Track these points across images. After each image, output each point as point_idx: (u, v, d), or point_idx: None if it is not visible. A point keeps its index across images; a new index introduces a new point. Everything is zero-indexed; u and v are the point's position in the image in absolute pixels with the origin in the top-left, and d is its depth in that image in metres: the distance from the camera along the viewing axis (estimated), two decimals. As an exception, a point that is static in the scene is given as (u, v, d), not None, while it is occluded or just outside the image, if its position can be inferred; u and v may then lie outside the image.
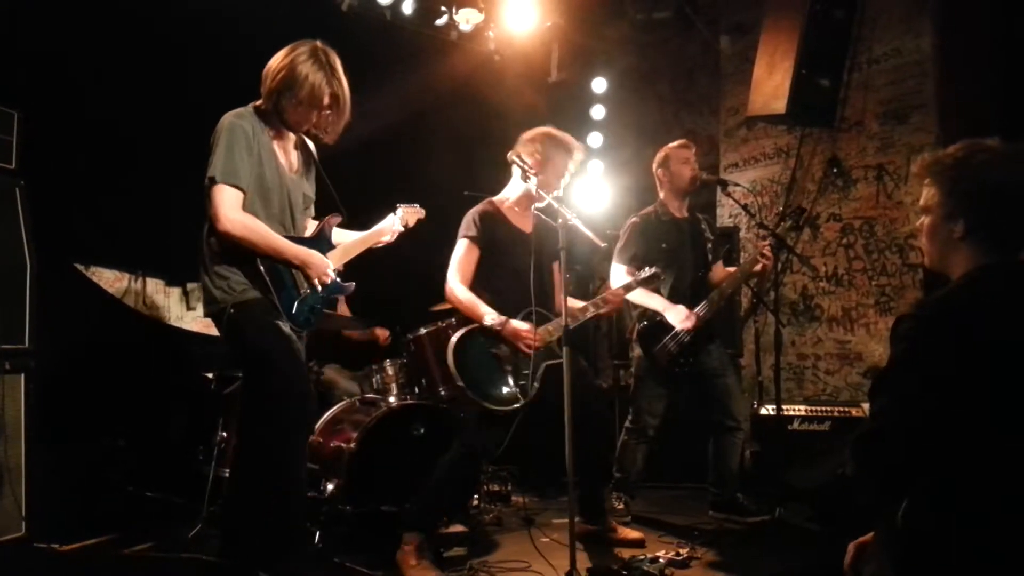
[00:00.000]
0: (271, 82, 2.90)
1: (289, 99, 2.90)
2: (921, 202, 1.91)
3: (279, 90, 2.89)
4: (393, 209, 3.40)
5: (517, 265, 3.55)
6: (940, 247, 1.88)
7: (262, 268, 2.85)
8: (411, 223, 3.43)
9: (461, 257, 3.62)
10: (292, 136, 3.05)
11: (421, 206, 3.51)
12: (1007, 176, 1.79)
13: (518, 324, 3.49)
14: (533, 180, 3.49)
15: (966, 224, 1.81)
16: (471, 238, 3.61)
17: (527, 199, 3.68)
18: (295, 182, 3.04)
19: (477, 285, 3.60)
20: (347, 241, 3.24)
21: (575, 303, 3.74)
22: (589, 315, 3.69)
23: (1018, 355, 1.67)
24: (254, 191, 2.87)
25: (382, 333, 5.16)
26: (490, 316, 3.47)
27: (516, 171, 3.64)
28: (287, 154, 3.03)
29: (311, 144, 3.16)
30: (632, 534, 3.84)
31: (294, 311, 2.93)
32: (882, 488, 1.78)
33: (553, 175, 3.63)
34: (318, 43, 2.96)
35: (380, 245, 3.35)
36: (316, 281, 2.98)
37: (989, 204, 1.80)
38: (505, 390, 3.46)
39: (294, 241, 2.96)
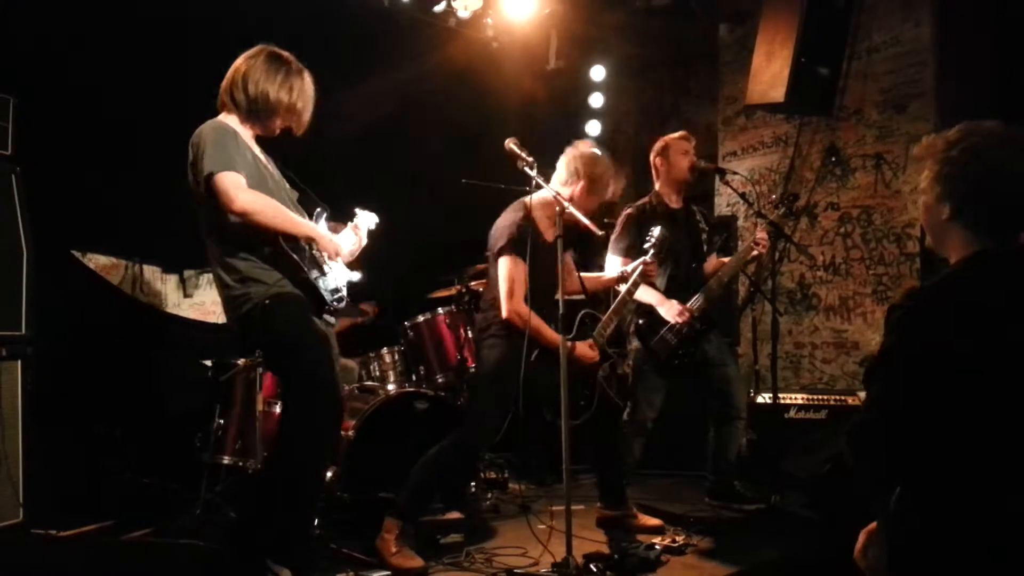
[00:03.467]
0: (242, 99, 2.93)
1: (261, 114, 2.96)
2: (920, 185, 1.92)
3: (250, 106, 2.94)
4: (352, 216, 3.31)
5: (544, 268, 3.45)
6: (933, 229, 1.89)
7: (287, 247, 2.85)
8: (367, 230, 3.31)
9: (512, 275, 3.44)
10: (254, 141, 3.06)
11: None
12: (993, 159, 1.79)
13: (582, 347, 3.52)
14: (530, 171, 3.42)
15: (952, 206, 1.81)
16: (515, 251, 3.45)
17: (549, 205, 3.50)
18: (279, 176, 3.06)
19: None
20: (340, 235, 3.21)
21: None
22: (630, 305, 3.73)
23: (1008, 344, 1.68)
24: (257, 188, 2.85)
25: (369, 308, 5.08)
26: (561, 340, 3.30)
27: (560, 174, 3.62)
28: (261, 154, 3.04)
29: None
30: (651, 521, 3.86)
31: (326, 287, 2.97)
32: (877, 476, 1.79)
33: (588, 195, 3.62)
34: (274, 49, 2.99)
35: (352, 256, 3.23)
36: (335, 257, 3.02)
37: (974, 186, 1.80)
38: (579, 402, 3.53)
39: None
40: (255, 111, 2.96)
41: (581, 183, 3.60)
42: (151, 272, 4.95)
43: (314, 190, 3.23)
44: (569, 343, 3.43)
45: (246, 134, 2.99)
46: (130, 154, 4.42)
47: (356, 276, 3.21)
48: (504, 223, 3.55)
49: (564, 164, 3.67)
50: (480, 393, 3.63)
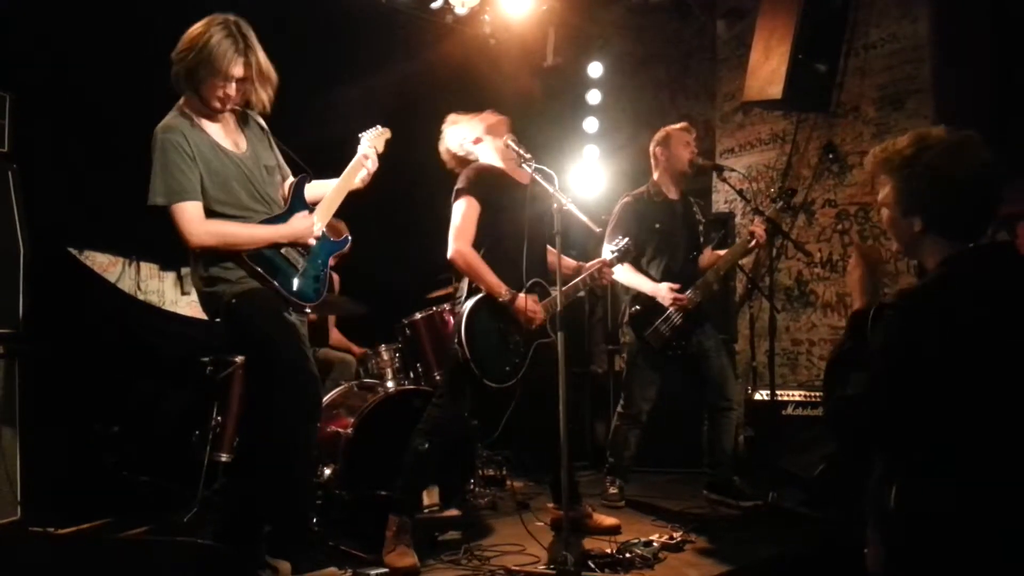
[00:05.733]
0: (180, 65, 2.81)
1: (199, 77, 2.81)
2: (879, 198, 1.95)
3: (189, 71, 2.80)
4: (358, 142, 3.28)
5: (517, 222, 3.46)
6: (905, 240, 1.92)
7: (247, 258, 2.84)
8: (380, 147, 3.31)
9: (464, 215, 3.44)
10: (229, 117, 2.97)
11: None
12: (955, 169, 1.82)
13: (527, 299, 3.42)
14: (529, 166, 3.42)
15: (923, 220, 1.85)
16: (471, 193, 3.44)
17: (513, 155, 3.51)
18: (250, 159, 2.96)
19: (477, 246, 3.47)
20: (326, 195, 3.12)
21: (568, 262, 3.65)
22: (580, 292, 3.66)
23: (998, 336, 1.71)
24: (214, 189, 2.82)
25: (357, 351, 5.10)
26: (503, 291, 3.40)
27: (486, 145, 3.62)
28: (230, 135, 2.95)
29: (257, 117, 3.09)
30: (607, 521, 3.78)
31: (297, 288, 2.94)
32: (854, 452, 1.83)
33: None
34: (225, 15, 2.86)
35: (364, 183, 3.21)
36: (311, 242, 2.97)
37: (942, 198, 1.83)
38: (505, 367, 3.44)
39: (271, 221, 2.92)
40: (193, 83, 2.83)
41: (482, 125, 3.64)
42: (148, 269, 4.94)
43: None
44: (511, 295, 3.41)
45: (201, 119, 2.87)
46: (126, 151, 4.39)
47: (344, 242, 3.18)
48: (464, 169, 3.56)
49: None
50: (448, 366, 3.58)
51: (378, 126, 3.34)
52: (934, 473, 1.73)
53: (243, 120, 3.04)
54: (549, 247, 3.62)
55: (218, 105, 2.87)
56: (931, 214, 1.84)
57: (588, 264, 3.68)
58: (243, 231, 2.85)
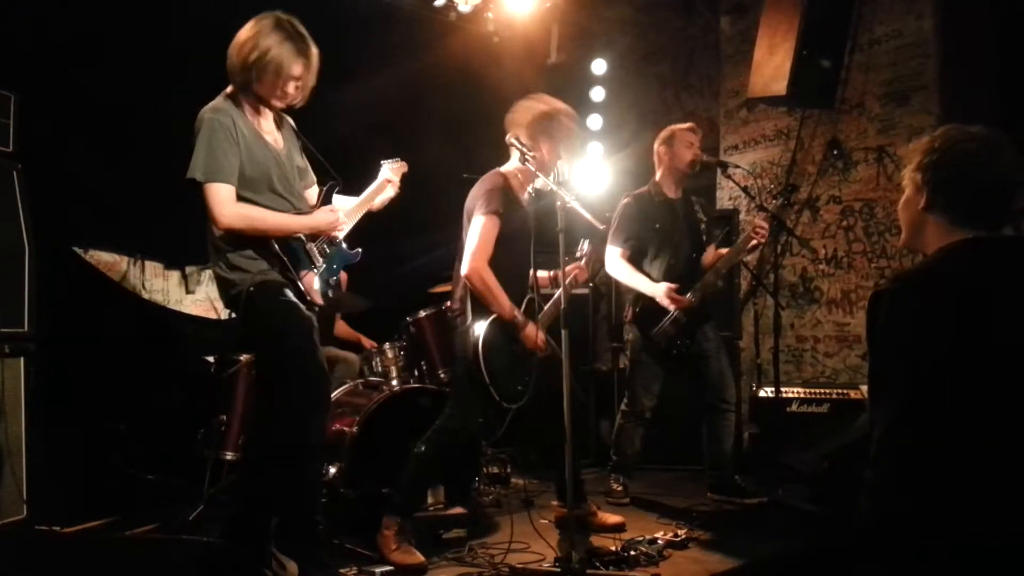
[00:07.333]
0: (239, 63, 2.88)
1: (260, 77, 2.88)
2: (903, 181, 2.08)
3: (248, 70, 2.87)
4: (378, 167, 3.36)
5: (521, 245, 3.47)
6: (910, 218, 2.02)
7: (277, 248, 2.90)
8: (397, 180, 3.38)
9: (486, 234, 3.37)
10: (270, 113, 3.04)
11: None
12: (966, 155, 1.92)
13: (537, 330, 3.44)
14: (531, 163, 3.43)
15: (929, 193, 1.94)
16: (497, 213, 3.40)
17: (528, 175, 3.50)
18: (286, 157, 3.05)
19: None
20: (353, 204, 3.26)
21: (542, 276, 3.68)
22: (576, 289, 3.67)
23: (993, 322, 1.75)
24: (253, 172, 2.89)
25: (367, 343, 5.13)
26: (517, 315, 3.40)
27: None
28: (271, 130, 3.04)
29: (291, 121, 3.17)
30: (612, 518, 3.79)
31: (316, 285, 2.99)
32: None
33: (553, 156, 3.56)
34: (279, 14, 2.94)
35: (382, 205, 3.33)
36: (336, 234, 3.06)
37: (947, 176, 1.92)
38: (517, 387, 3.44)
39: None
40: (250, 81, 2.90)
41: (546, 145, 3.53)
42: (152, 268, 4.96)
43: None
44: (524, 320, 3.43)
45: (248, 109, 2.95)
46: (131, 150, 4.42)
47: (356, 254, 3.23)
48: (484, 188, 3.49)
49: (524, 129, 3.53)
50: (457, 377, 3.57)
51: (398, 159, 3.41)
52: (902, 471, 1.76)
53: (280, 120, 3.12)
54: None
55: (278, 103, 2.99)
56: (934, 187, 1.92)
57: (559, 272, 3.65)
58: (271, 216, 2.92)
